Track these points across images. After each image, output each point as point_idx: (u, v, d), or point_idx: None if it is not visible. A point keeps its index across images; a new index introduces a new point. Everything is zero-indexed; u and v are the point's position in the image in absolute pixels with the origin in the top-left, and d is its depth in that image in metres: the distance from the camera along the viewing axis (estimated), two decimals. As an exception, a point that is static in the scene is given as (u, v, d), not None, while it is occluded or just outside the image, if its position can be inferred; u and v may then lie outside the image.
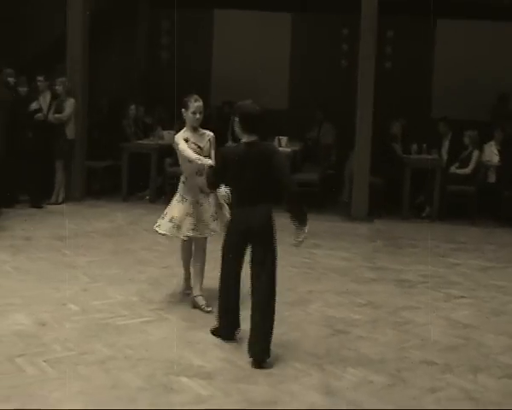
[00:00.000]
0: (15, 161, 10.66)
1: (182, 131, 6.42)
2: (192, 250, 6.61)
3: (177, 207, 6.40)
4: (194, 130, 6.40)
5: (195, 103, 6.33)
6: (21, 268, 7.61)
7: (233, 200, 5.50)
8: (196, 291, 6.50)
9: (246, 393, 4.76)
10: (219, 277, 5.63)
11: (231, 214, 5.64)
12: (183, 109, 6.38)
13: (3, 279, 7.19)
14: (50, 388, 4.68)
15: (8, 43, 12.80)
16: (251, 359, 5.22)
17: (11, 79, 10.85)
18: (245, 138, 5.41)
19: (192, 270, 6.65)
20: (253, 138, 5.39)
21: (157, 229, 6.44)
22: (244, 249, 5.47)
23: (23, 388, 4.67)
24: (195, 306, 6.46)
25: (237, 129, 5.47)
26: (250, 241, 5.40)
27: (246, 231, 5.37)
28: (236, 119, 5.44)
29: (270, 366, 5.19)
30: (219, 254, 5.60)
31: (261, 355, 5.20)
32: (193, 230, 6.32)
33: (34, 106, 10.96)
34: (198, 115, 6.35)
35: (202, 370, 5.10)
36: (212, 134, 6.50)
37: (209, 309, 6.32)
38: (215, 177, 5.63)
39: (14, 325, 5.84)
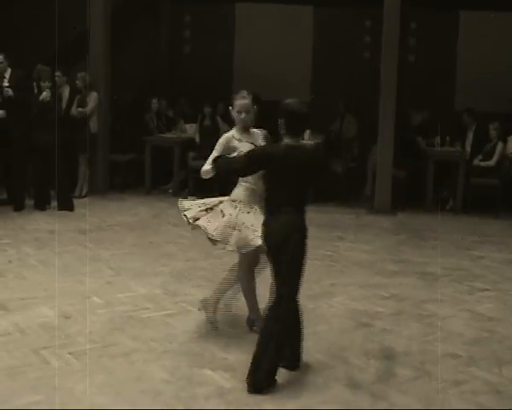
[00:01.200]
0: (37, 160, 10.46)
1: (231, 132, 5.65)
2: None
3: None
4: (245, 129, 5.58)
5: (240, 101, 5.53)
6: (46, 261, 7.66)
7: (268, 207, 4.91)
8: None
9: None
10: None
11: (265, 222, 4.92)
12: (230, 107, 5.64)
13: (28, 272, 7.25)
14: (75, 380, 4.71)
15: (34, 40, 12.86)
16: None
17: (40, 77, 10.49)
18: (288, 140, 4.84)
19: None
20: (297, 141, 4.87)
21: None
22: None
23: (48, 379, 4.70)
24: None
25: (281, 130, 4.87)
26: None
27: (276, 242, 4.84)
28: (281, 119, 4.84)
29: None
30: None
31: (252, 385, 4.72)
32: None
33: (44, 95, 10.51)
34: (243, 115, 5.52)
35: (225, 362, 5.12)
36: (264, 131, 5.65)
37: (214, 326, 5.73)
38: (246, 168, 4.99)
39: (39, 318, 5.88)
